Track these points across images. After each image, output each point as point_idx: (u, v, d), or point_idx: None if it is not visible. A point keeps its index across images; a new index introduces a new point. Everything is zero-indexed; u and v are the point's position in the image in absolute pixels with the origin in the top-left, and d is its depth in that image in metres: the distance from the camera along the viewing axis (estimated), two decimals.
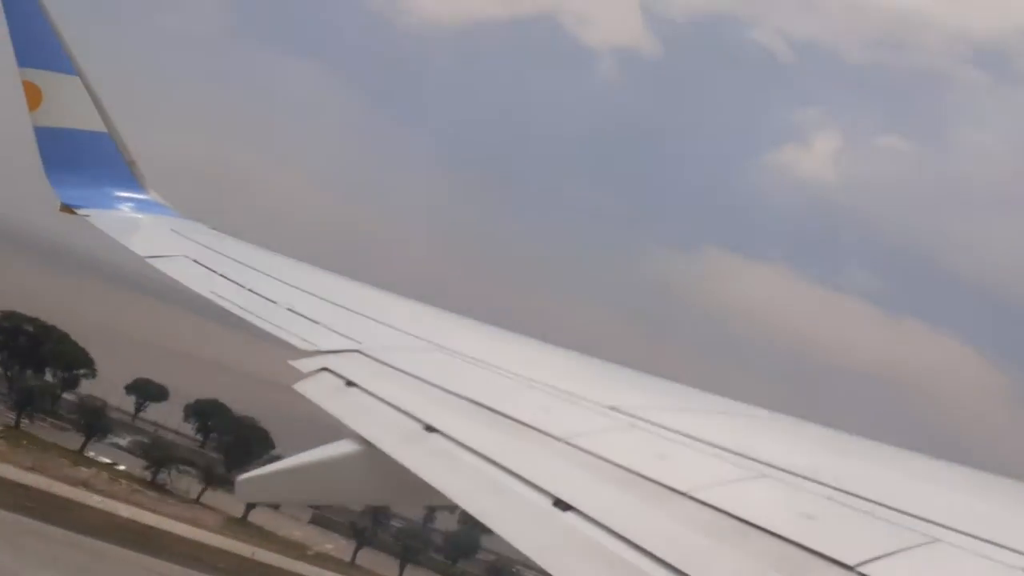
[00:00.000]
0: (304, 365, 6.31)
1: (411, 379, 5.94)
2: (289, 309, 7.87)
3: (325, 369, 6.17)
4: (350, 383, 5.91)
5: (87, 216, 12.10)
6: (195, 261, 9.98)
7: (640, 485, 4.06)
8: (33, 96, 12.58)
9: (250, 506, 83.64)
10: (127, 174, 13.03)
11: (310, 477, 5.23)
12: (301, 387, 5.97)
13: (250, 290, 8.63)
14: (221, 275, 9.29)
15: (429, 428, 5.01)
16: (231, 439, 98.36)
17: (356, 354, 6.52)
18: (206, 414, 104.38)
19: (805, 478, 4.13)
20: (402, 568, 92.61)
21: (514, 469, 4.33)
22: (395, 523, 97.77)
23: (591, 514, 3.82)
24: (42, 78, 12.57)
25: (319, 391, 5.88)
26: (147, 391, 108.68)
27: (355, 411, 5.52)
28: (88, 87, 12.76)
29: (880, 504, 3.79)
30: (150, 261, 10.04)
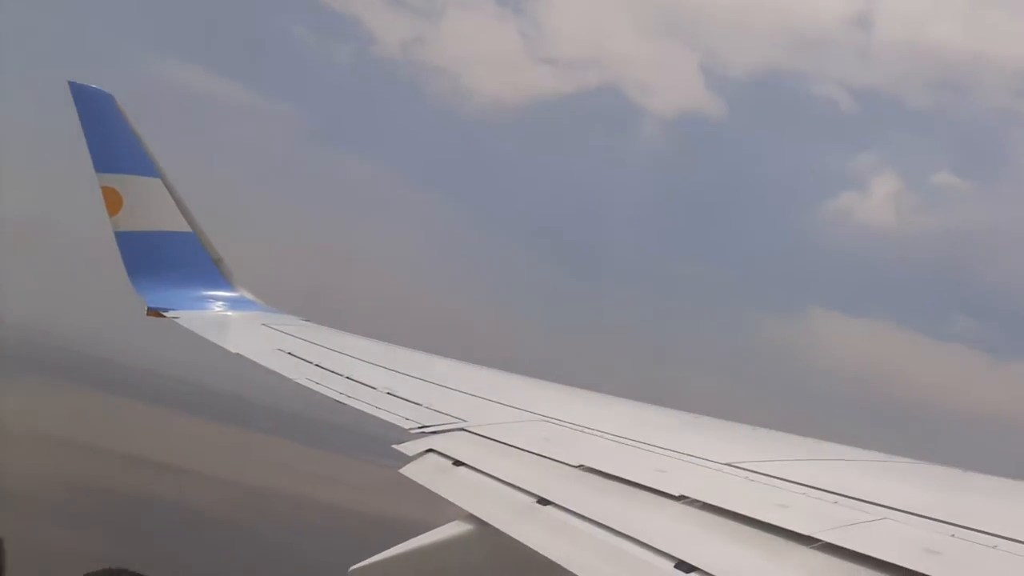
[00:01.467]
0: (409, 448, 6.29)
1: (520, 452, 5.91)
2: (389, 392, 7.85)
3: (431, 450, 6.15)
4: (457, 462, 5.88)
5: (176, 318, 11.88)
6: (289, 353, 9.87)
7: (761, 538, 4.06)
8: (113, 201, 12.46)
9: None
10: (214, 273, 12.87)
11: (425, 560, 5.22)
12: (408, 471, 5.94)
13: (348, 377, 8.59)
14: (316, 364, 9.21)
15: (542, 501, 4.99)
16: None
17: (462, 432, 6.50)
18: None
19: (927, 518, 4.11)
20: None
21: (633, 534, 4.32)
22: None
23: (714, 572, 3.83)
24: (122, 182, 12.46)
25: (426, 473, 5.86)
26: None
27: (465, 490, 5.50)
28: (170, 187, 12.70)
29: (1004, 537, 3.76)
30: (243, 355, 9.96)
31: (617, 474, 5.15)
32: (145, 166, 12.61)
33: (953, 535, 3.88)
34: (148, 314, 12.18)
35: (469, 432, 6.50)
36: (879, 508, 4.29)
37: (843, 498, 4.47)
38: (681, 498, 4.64)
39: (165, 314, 12.06)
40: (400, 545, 5.35)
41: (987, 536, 3.81)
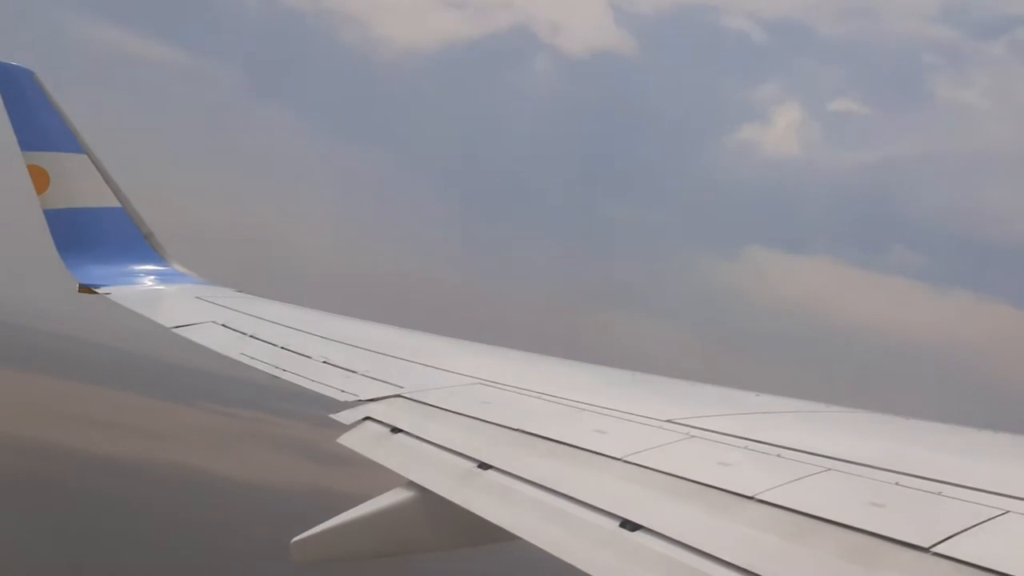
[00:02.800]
0: (346, 417, 6.23)
1: (458, 417, 5.86)
2: (325, 362, 7.79)
3: (368, 419, 6.10)
4: (396, 429, 5.84)
5: (108, 294, 11.92)
6: (223, 325, 9.82)
7: (706, 495, 4.04)
8: (40, 180, 12.40)
9: None
10: (145, 247, 12.93)
11: (366, 530, 5.18)
12: (346, 440, 5.89)
13: (282, 347, 8.52)
14: (251, 336, 9.16)
15: (483, 465, 4.96)
16: None
17: (398, 399, 6.45)
18: None
19: (870, 467, 4.12)
20: None
21: (576, 495, 4.30)
22: None
23: (660, 530, 3.81)
24: (48, 160, 12.43)
25: (364, 441, 5.81)
26: None
27: (404, 457, 5.47)
28: (96, 163, 12.69)
29: (948, 483, 3.77)
30: (177, 331, 9.84)
31: (557, 437, 5.12)
32: (70, 143, 12.55)
33: (897, 483, 3.88)
34: (80, 291, 12.16)
35: (406, 399, 6.46)
36: (823, 459, 4.29)
37: (786, 450, 4.48)
38: (623, 458, 4.62)
39: (97, 290, 12.04)
40: (341, 515, 5.30)
41: (932, 483, 3.81)
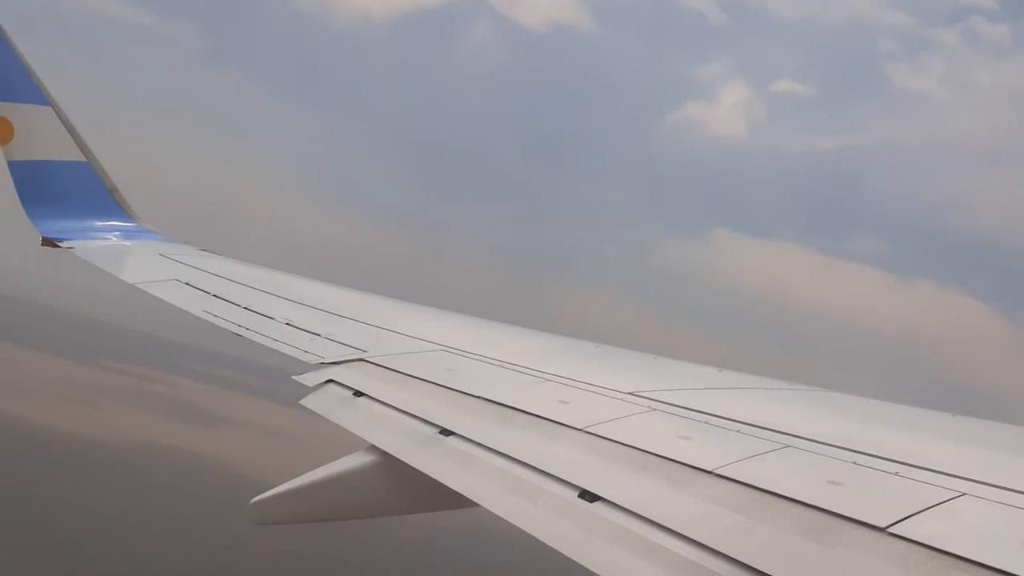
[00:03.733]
0: (309, 379, 6.18)
1: (420, 383, 5.82)
2: (288, 323, 7.71)
3: (331, 381, 6.05)
4: (358, 393, 5.79)
5: (71, 248, 11.69)
6: (187, 284, 9.68)
7: (665, 468, 4.02)
8: (4, 130, 12.18)
9: None
10: (110, 202, 12.68)
11: (325, 493, 5.16)
12: (308, 402, 5.84)
13: (245, 307, 8.42)
14: (214, 295, 9.03)
15: (444, 431, 4.93)
16: None
17: (361, 363, 6.40)
18: None
19: (829, 445, 4.12)
20: None
21: (536, 464, 4.27)
22: None
23: (618, 502, 3.79)
24: (12, 111, 12.19)
25: (326, 404, 5.76)
26: None
27: (366, 420, 5.42)
28: (62, 116, 12.42)
29: (906, 464, 3.78)
30: (140, 287, 9.73)
31: (519, 406, 5.09)
32: (35, 95, 12.27)
33: (855, 463, 3.89)
34: (43, 244, 11.96)
35: (368, 362, 6.41)
36: (782, 436, 4.29)
37: (746, 426, 4.47)
38: (584, 429, 4.60)
39: (60, 244, 11.82)
40: (300, 477, 5.27)
41: (890, 463, 3.81)
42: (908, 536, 3.12)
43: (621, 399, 5.14)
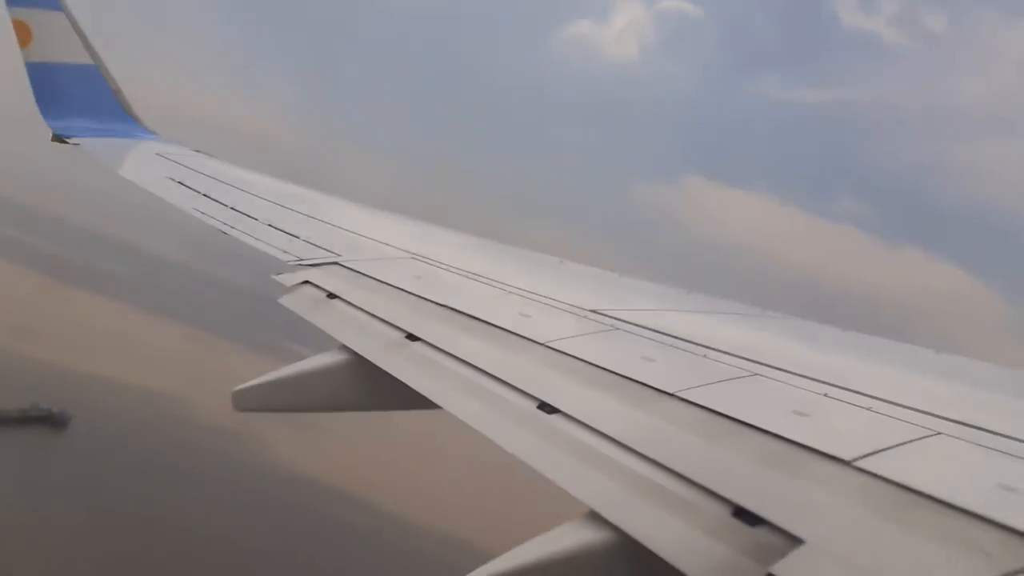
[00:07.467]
0: (286, 280, 6.20)
1: (391, 289, 5.79)
2: (270, 224, 7.74)
3: (307, 282, 6.05)
4: (332, 295, 5.78)
5: (77, 144, 12.21)
6: (179, 182, 9.85)
7: (625, 387, 3.84)
8: (23, 34, 12.89)
9: None
10: (115, 104, 13.41)
11: (301, 386, 5.16)
12: (285, 300, 5.85)
13: (232, 208, 8.48)
14: (204, 194, 9.14)
15: (411, 336, 4.88)
16: None
17: (336, 266, 6.38)
18: None
19: (800, 376, 3.91)
20: None
21: (497, 374, 4.16)
22: None
23: (577, 416, 3.62)
24: (30, 16, 12.88)
25: (302, 304, 5.76)
26: None
27: (338, 322, 5.41)
28: (72, 22, 13.04)
29: (880, 399, 3.58)
30: (136, 182, 9.98)
31: (483, 317, 5.02)
32: (50, 1, 13.03)
33: (826, 395, 3.68)
34: (52, 140, 12.58)
35: (343, 266, 6.38)
36: (751, 364, 4.08)
37: (713, 351, 4.27)
38: (545, 343, 4.48)
39: (68, 140, 12.47)
40: (278, 371, 5.32)
41: (863, 397, 3.61)
42: (873, 471, 2.88)
43: (584, 316, 5.01)
